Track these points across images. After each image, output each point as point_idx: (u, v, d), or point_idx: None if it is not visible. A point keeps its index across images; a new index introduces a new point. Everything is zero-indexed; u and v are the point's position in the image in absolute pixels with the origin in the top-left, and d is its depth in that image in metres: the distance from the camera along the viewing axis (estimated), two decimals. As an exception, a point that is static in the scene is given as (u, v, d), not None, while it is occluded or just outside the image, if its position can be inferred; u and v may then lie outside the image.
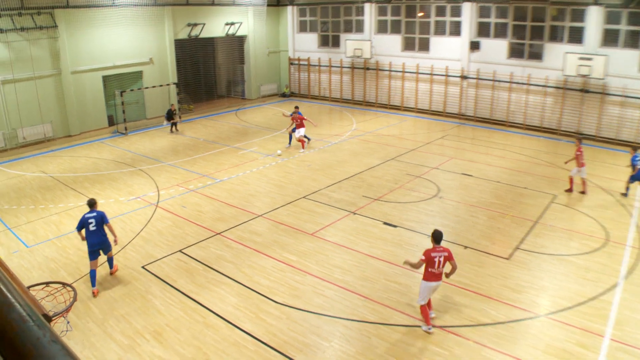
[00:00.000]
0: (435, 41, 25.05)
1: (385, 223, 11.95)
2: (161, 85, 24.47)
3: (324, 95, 31.45)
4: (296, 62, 32.13)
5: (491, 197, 13.59)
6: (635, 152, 13.24)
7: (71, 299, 7.38)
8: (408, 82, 26.63)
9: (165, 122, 22.56)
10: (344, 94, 30.18)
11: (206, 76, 31.88)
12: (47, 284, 7.91)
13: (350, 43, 27.64)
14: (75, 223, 12.12)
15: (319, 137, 20.91)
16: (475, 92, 24.05)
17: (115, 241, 9.35)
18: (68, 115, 21.74)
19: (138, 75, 24.72)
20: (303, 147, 18.49)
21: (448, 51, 24.61)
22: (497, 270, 9.75)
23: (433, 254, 7.70)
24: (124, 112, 22.55)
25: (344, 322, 8.20)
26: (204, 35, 27.54)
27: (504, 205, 13.00)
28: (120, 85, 23.83)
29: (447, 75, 24.74)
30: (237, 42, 30.73)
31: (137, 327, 8.16)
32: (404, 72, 26.42)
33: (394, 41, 26.69)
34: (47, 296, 7.58)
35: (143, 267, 10.02)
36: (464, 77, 24.23)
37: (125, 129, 22.59)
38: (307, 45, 31.33)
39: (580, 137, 14.22)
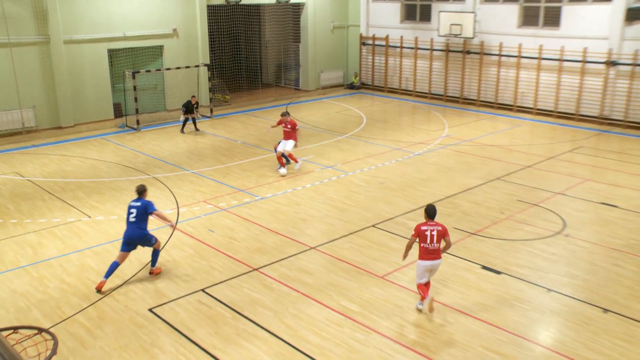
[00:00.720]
0: (570, 11, 24.52)
1: (484, 267, 11.72)
2: (187, 67, 25.45)
3: (405, 89, 31.51)
4: (370, 41, 32.45)
5: (643, 240, 13.05)
6: None
7: (48, 351, 6.86)
8: (525, 71, 26.21)
9: (182, 117, 23.24)
10: (434, 86, 30.09)
11: (248, 57, 32.87)
12: (14, 329, 7.10)
13: (446, 16, 27.61)
14: (61, 245, 12.77)
15: (396, 146, 20.92)
16: (629, 85, 23.22)
17: (171, 225, 11.56)
18: (58, 100, 22.91)
19: (157, 51, 25.85)
20: (282, 165, 17.62)
21: (589, 26, 24.01)
22: (650, 346, 9.29)
23: (424, 227, 9.84)
24: (136, 100, 23.55)
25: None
26: (247, 1, 28.44)
27: (662, 253, 12.43)
28: (132, 63, 25.00)
29: (584, 62, 24.18)
30: (291, 13, 31.55)
31: (142, 387, 8.42)
32: (519, 56, 26.06)
33: (508, 13, 26.43)
34: (13, 345, 7.51)
35: (150, 309, 10.32)
36: (611, 64, 23.46)
37: (137, 122, 23.63)
38: (385, 18, 31.61)
39: None
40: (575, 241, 13.02)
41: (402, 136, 22.40)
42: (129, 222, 10.99)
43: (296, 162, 17.90)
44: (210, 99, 26.62)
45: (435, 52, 29.64)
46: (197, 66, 25.79)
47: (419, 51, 30.25)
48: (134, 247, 11.14)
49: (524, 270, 11.62)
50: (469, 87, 28.68)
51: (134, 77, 23.15)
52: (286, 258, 12.19)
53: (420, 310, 10.11)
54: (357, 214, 14.57)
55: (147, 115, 25.00)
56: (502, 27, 26.65)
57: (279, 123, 18.22)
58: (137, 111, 23.56)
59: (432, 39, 29.30)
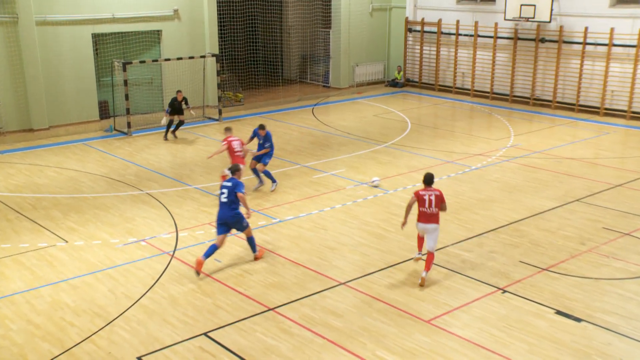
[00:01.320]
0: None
1: (559, 313, 11.58)
2: (191, 58, 25.77)
3: (461, 87, 31.52)
4: (418, 27, 32.57)
5: None
6: None
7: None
8: (617, 63, 26.02)
9: (165, 119, 23.51)
10: (497, 84, 30.05)
11: (266, 47, 33.13)
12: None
13: (514, -5, 27.56)
14: (30, 276, 12.90)
15: (448, 158, 20.85)
16: None
17: (247, 214, 13.08)
18: (29, 96, 23.24)
19: (154, 37, 26.18)
20: (266, 181, 18.09)
21: None
22: None
23: (422, 192, 12.60)
24: (127, 97, 23.85)
25: None
26: (266, -22, 28.77)
27: None
28: (122, 52, 25.34)
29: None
30: (319, -8, 31.76)
31: None
32: (610, 45, 25.87)
33: (596, -10, 26.30)
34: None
35: (140, 358, 10.33)
36: None
37: (128, 125, 23.94)
38: (437, -2, 31.62)
39: None
40: (677, 281, 12.81)
41: (456, 146, 22.35)
42: (221, 203, 13.08)
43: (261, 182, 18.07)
44: (219, 98, 26.83)
45: (500, 41, 29.58)
46: (203, 57, 26.09)
47: (480, 39, 30.23)
48: (229, 229, 13.13)
49: (611, 318, 11.43)
50: (543, 85, 28.54)
51: (124, 69, 23.44)
52: (309, 296, 12.17)
53: (416, 260, 13.13)
54: (398, 243, 14.53)
55: (140, 117, 25.32)
56: (588, 7, 26.51)
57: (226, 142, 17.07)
58: (127, 111, 23.85)
59: (496, 24, 29.28)
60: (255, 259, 13.64)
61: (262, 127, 18.09)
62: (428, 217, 12.53)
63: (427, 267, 12.57)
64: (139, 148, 22.16)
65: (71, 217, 16.07)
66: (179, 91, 23.42)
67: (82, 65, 24.21)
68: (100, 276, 12.89)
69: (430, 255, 12.62)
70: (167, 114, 23.10)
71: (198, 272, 12.83)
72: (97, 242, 14.58)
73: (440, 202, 12.55)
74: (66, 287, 12.48)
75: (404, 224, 12.81)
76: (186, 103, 23.23)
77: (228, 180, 13.16)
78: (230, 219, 12.98)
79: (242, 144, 17.02)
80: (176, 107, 23.00)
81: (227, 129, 17.64)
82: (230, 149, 16.75)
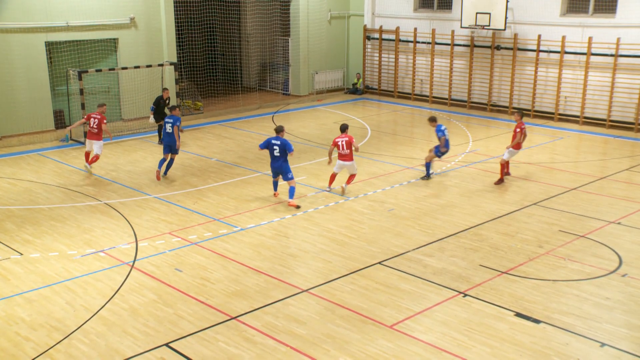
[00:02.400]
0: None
1: (519, 315, 11.70)
2: (149, 66, 25.63)
3: (420, 94, 31.77)
4: (376, 34, 32.78)
5: None
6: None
7: None
8: (569, 70, 26.51)
9: (152, 117, 23.36)
10: (455, 91, 30.36)
11: (225, 55, 33.06)
12: None
13: (470, 3, 27.95)
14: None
15: (408, 164, 20.98)
16: None
17: (291, 175, 17.05)
18: (-23, 105, 22.93)
19: (110, 45, 25.95)
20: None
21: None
22: None
23: (337, 139, 17.68)
24: (83, 107, 23.57)
25: None
26: (223, -14, 28.73)
27: None
28: (78, 60, 25.09)
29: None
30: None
31: None
32: (563, 52, 26.36)
33: (549, -1, 26.76)
34: None
35: (102, 367, 10.30)
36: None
37: (85, 135, 23.56)
38: (396, 5, 32.01)
39: None
40: (635, 282, 12.98)
41: (416, 152, 22.49)
42: (274, 157, 16.91)
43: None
44: (178, 106, 26.59)
45: (457, 48, 29.90)
46: (161, 65, 25.94)
47: (437, 47, 30.52)
48: (278, 177, 17.33)
49: (569, 319, 11.57)
50: (499, 91, 28.90)
51: (80, 78, 23.24)
52: (272, 304, 12.12)
53: (328, 190, 18.14)
54: (360, 249, 14.56)
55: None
56: (541, 15, 27.01)
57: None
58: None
59: (453, 32, 29.59)
60: (289, 204, 16.96)
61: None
62: (344, 156, 17.67)
63: (349, 182, 18.15)
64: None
65: (26, 229, 15.81)
66: (165, 89, 23.35)
67: (36, 73, 23.87)
68: (58, 289, 12.69)
69: (351, 177, 18.11)
70: (151, 111, 23.03)
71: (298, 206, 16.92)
72: (54, 254, 14.36)
73: (350, 144, 17.52)
74: (21, 301, 12.23)
75: (329, 162, 18.12)
76: (167, 104, 23.07)
77: (276, 139, 16.85)
78: (281, 170, 16.92)
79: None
80: (161, 107, 22.84)
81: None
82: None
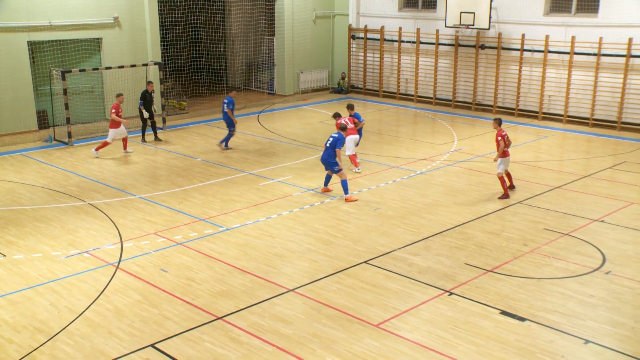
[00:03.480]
0: (611, -8, 24.90)
1: (504, 313, 11.74)
2: (133, 66, 25.54)
3: (405, 93, 31.84)
4: (361, 34, 32.81)
5: (701, 277, 13.17)
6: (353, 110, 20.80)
7: None
8: (553, 69, 26.66)
9: (144, 111, 23.38)
10: (440, 90, 30.44)
11: (210, 55, 32.98)
12: None
13: (455, 2, 28.05)
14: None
15: (393, 163, 21.02)
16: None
17: (338, 168, 17.47)
18: (-40, 106, 22.78)
19: (94, 45, 25.84)
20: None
21: (635, 11, 24.44)
22: None
23: (340, 121, 19.10)
24: (67, 107, 23.46)
25: None
26: (208, -15, 28.67)
27: None
28: (60, 60, 24.96)
29: (629, 56, 24.63)
30: (262, -1, 31.76)
31: None
32: (546, 51, 26.52)
33: (532, -2, 26.87)
34: None
35: (88, 369, 10.26)
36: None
37: (69, 135, 23.55)
38: (380, 5, 32.06)
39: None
40: (619, 280, 13.07)
41: (401, 151, 22.55)
42: (325, 148, 17.58)
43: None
44: (163, 107, 26.62)
45: (441, 47, 29.98)
46: (145, 65, 25.83)
47: (422, 46, 30.59)
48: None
49: (554, 317, 11.63)
50: (484, 90, 29.01)
51: (64, 78, 23.09)
52: (258, 303, 12.11)
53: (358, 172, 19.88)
54: (346, 248, 14.57)
55: (81, 127, 24.91)
56: (524, 15, 27.14)
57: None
58: (68, 121, 23.46)
59: (437, 31, 29.66)
60: (345, 200, 17.38)
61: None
62: (352, 130, 19.83)
63: (357, 164, 20.14)
64: (81, 158, 21.80)
65: (9, 230, 15.71)
66: (149, 82, 23.33)
67: (18, 73, 23.69)
68: (42, 290, 12.61)
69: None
70: (141, 106, 23.13)
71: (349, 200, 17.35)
72: (38, 255, 14.28)
73: (354, 121, 20.04)
74: (4, 303, 12.15)
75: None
76: (152, 98, 23.40)
77: (338, 133, 17.70)
78: (326, 163, 17.51)
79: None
80: (147, 100, 22.90)
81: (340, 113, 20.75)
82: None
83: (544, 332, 11.13)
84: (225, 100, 22.45)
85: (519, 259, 13.96)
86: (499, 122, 17.89)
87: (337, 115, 20.00)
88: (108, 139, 21.81)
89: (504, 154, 17.59)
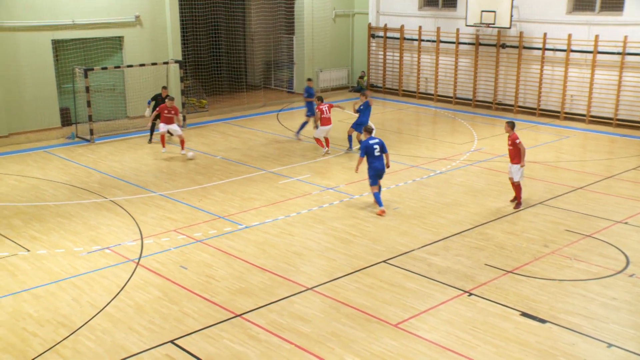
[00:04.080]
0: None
1: (524, 314, 11.68)
2: (154, 64, 25.66)
3: (425, 92, 31.72)
4: (381, 33, 32.74)
5: None
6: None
7: None
8: (575, 68, 26.45)
9: (147, 110, 23.54)
10: (460, 89, 30.31)
11: (230, 53, 33.04)
12: None
13: (476, 2, 27.89)
14: None
15: (413, 162, 20.97)
16: None
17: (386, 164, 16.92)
18: (-14, 104, 23.02)
19: (115, 43, 26.00)
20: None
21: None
22: None
23: (321, 107, 21.55)
24: (89, 104, 23.68)
25: None
26: (228, -16, 28.75)
27: None
28: (83, 58, 25.12)
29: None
30: (282, -2, 31.80)
31: None
32: (569, 50, 26.31)
33: (555, -4, 26.67)
34: None
35: (107, 365, 10.33)
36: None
37: (91, 132, 23.74)
38: (400, 4, 31.97)
39: None
40: None
41: (421, 151, 22.50)
42: (376, 157, 16.57)
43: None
44: (183, 104, 26.71)
45: (462, 47, 29.86)
46: (166, 63, 25.97)
47: (442, 45, 30.49)
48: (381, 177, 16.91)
49: (575, 319, 11.55)
50: (504, 90, 28.86)
51: (86, 76, 23.26)
52: (277, 301, 12.13)
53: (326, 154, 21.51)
54: (365, 247, 14.57)
55: (102, 124, 25.11)
56: (546, 13, 26.93)
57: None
58: (90, 118, 23.64)
59: (458, 30, 29.55)
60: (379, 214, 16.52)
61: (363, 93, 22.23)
62: (327, 120, 21.45)
63: (328, 145, 21.76)
64: (102, 155, 21.95)
65: (33, 225, 15.85)
66: (164, 87, 23.36)
67: (42, 72, 23.92)
68: (64, 285, 12.72)
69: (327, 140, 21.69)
70: (148, 104, 23.33)
71: (382, 214, 16.42)
72: (61, 250, 14.40)
73: (331, 108, 21.64)
74: (28, 297, 12.29)
75: (315, 126, 21.88)
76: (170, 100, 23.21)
77: (372, 138, 16.77)
78: (383, 170, 16.76)
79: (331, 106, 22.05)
80: (158, 103, 22.85)
81: (319, 98, 22.11)
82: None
83: (566, 335, 11.05)
84: (307, 90, 24.16)
85: (539, 260, 13.88)
86: (512, 126, 17.01)
87: (320, 99, 21.95)
88: (182, 134, 22.15)
89: (517, 159, 16.68)
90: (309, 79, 25.06)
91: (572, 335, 11.03)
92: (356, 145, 21.07)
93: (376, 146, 16.54)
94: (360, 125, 20.69)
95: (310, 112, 23.69)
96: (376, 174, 16.54)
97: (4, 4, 22.81)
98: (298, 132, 24.21)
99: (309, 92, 24.10)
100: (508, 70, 28.53)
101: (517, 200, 17.08)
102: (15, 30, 23.17)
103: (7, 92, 23.22)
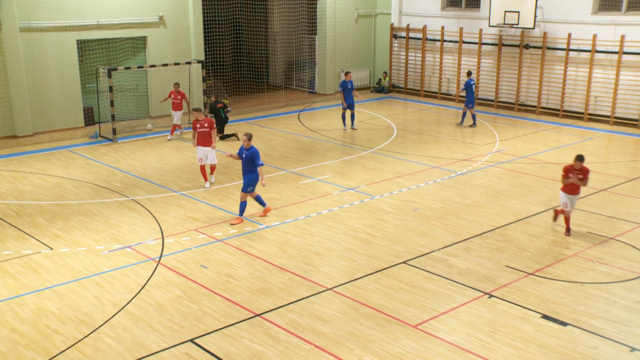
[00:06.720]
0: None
1: (545, 317, 11.61)
2: (177, 64, 25.77)
3: (447, 93, 31.62)
4: (403, 33, 32.69)
5: None
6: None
7: None
8: (600, 69, 26.24)
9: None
10: (483, 90, 30.19)
11: (252, 53, 33.15)
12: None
13: (499, 2, 27.75)
14: (14, 284, 12.80)
15: (434, 163, 20.91)
16: None
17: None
18: (13, 103, 23.19)
19: (139, 43, 26.18)
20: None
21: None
22: None
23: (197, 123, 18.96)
24: (112, 104, 23.79)
25: None
26: (251, -16, 28.84)
27: None
28: (107, 58, 25.34)
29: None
30: (305, -2, 31.84)
31: None
32: (593, 51, 26.08)
33: (580, -5, 26.49)
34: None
35: (128, 362, 10.40)
36: None
37: (114, 132, 23.88)
38: (423, 4, 31.90)
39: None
40: (662, 285, 12.88)
41: (442, 151, 22.42)
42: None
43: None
44: (205, 104, 26.84)
45: (485, 47, 29.73)
46: (188, 63, 26.07)
47: (465, 46, 30.38)
48: None
49: (597, 322, 11.48)
50: (527, 91, 28.70)
51: (109, 76, 23.37)
52: (296, 301, 12.16)
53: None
54: (385, 248, 14.55)
55: (125, 123, 25.30)
56: (571, 13, 26.72)
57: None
58: (113, 118, 23.78)
59: (481, 30, 29.42)
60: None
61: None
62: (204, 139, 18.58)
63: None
64: (125, 154, 22.10)
65: (56, 224, 15.99)
66: (176, 84, 23.70)
67: (67, 71, 24.16)
68: (86, 283, 12.82)
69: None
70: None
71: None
72: (83, 248, 14.51)
73: (210, 124, 18.60)
74: (51, 295, 12.40)
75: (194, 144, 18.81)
76: (228, 109, 24.51)
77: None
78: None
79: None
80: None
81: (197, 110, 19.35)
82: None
83: (587, 338, 10.97)
84: (348, 84, 25.07)
85: (561, 263, 13.79)
86: (581, 159, 15.19)
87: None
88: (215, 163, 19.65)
89: (574, 190, 15.17)
90: (347, 72, 25.62)
91: (594, 339, 10.94)
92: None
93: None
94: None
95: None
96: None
97: (30, 5, 23.04)
98: (351, 125, 25.71)
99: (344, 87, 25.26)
100: (531, 71, 28.36)
101: (568, 227, 15.34)
102: (42, 31, 23.43)
103: (32, 92, 23.47)
